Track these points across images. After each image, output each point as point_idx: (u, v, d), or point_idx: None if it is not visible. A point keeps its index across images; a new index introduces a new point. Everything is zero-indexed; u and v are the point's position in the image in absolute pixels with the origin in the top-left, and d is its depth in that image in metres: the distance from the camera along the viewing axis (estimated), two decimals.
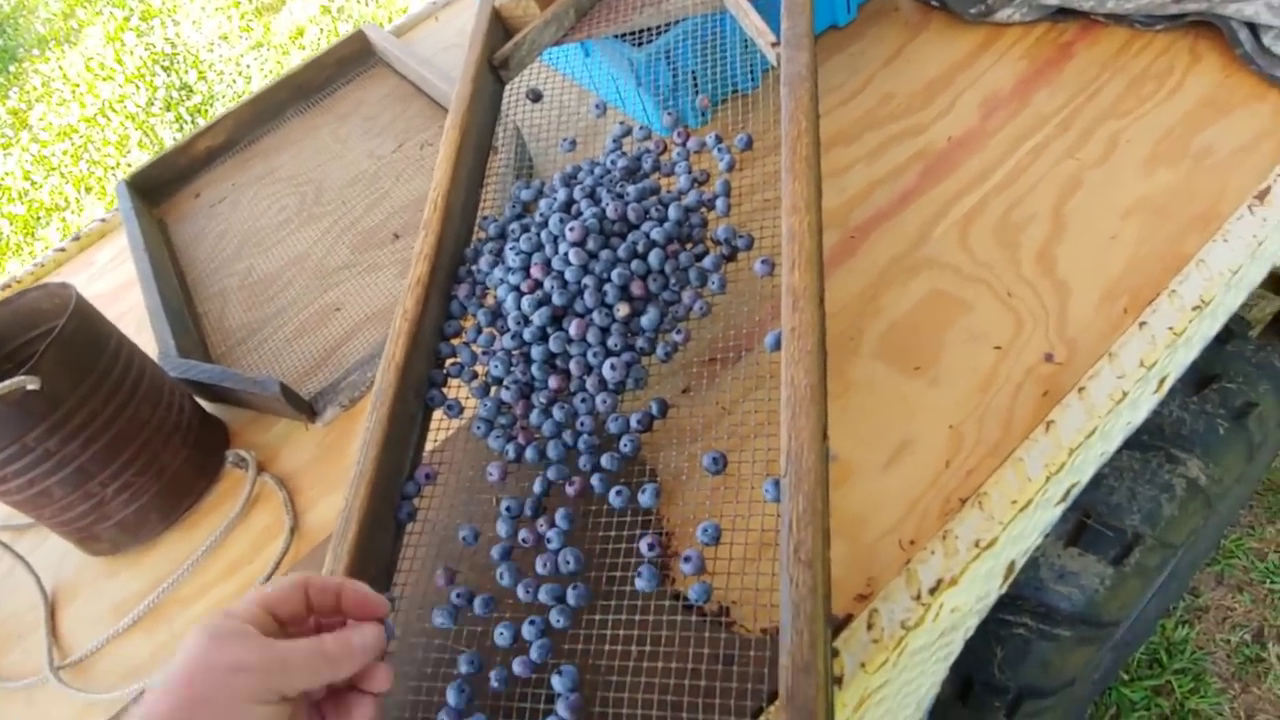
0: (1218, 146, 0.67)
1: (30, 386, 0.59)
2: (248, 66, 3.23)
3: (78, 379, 0.63)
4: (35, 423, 0.61)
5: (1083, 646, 0.71)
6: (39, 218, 2.89)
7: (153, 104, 3.16)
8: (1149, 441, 0.72)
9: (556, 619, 0.48)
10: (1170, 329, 0.56)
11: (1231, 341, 0.78)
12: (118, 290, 1.00)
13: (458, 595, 0.51)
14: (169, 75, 3.27)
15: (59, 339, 0.61)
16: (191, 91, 3.18)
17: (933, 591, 0.49)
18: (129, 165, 2.96)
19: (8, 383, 0.58)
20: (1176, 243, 0.62)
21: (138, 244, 0.94)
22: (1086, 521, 0.70)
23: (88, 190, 2.94)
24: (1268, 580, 1.19)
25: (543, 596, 0.49)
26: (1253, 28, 0.71)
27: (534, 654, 0.47)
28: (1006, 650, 0.72)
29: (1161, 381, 0.60)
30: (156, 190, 1.08)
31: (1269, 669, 1.12)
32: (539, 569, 0.51)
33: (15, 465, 0.62)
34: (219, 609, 0.41)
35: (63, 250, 1.10)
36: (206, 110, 3.06)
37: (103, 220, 1.12)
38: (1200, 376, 0.76)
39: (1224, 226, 0.60)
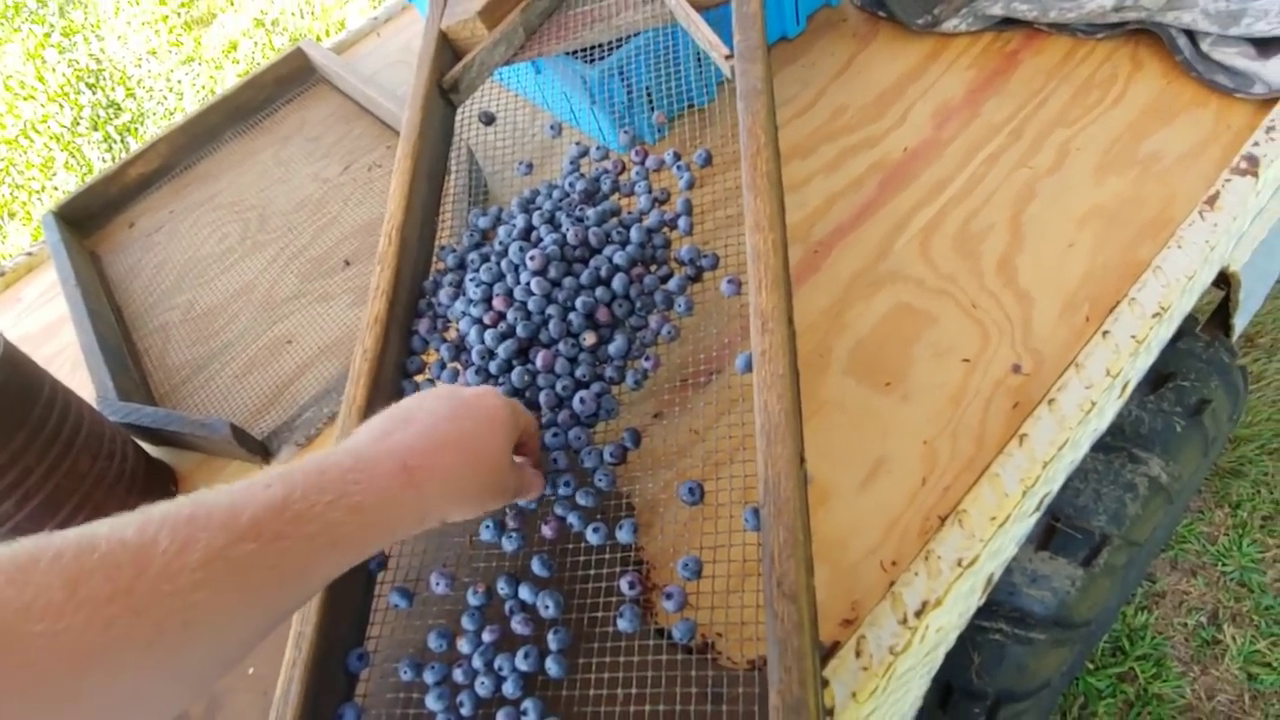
0: (1164, 153, 0.68)
1: None
2: (179, 82, 3.12)
3: (9, 434, 0.59)
4: None
5: (1057, 648, 0.72)
6: None
7: (78, 124, 3.03)
8: (1111, 442, 0.73)
9: (551, 666, 0.47)
10: (1133, 337, 0.57)
11: (1182, 339, 0.80)
12: (48, 329, 0.95)
13: (435, 670, 0.49)
14: (95, 93, 3.14)
15: None
16: (120, 110, 3.06)
17: (919, 614, 0.48)
18: (55, 189, 2.83)
19: None
20: (1132, 249, 0.63)
21: (68, 279, 0.89)
22: (1055, 525, 0.71)
23: (11, 216, 2.81)
24: (1219, 563, 1.23)
25: (515, 673, 0.48)
26: (1191, 35, 0.73)
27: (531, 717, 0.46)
28: (983, 656, 0.72)
29: (1125, 387, 0.61)
30: (87, 220, 1.03)
31: (1225, 650, 1.15)
32: (517, 628, 0.49)
33: None
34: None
35: None
36: (136, 129, 2.94)
37: (29, 254, 1.06)
38: (1156, 375, 0.78)
39: (1177, 233, 0.62)
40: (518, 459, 0.49)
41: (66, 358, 0.89)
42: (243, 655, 0.34)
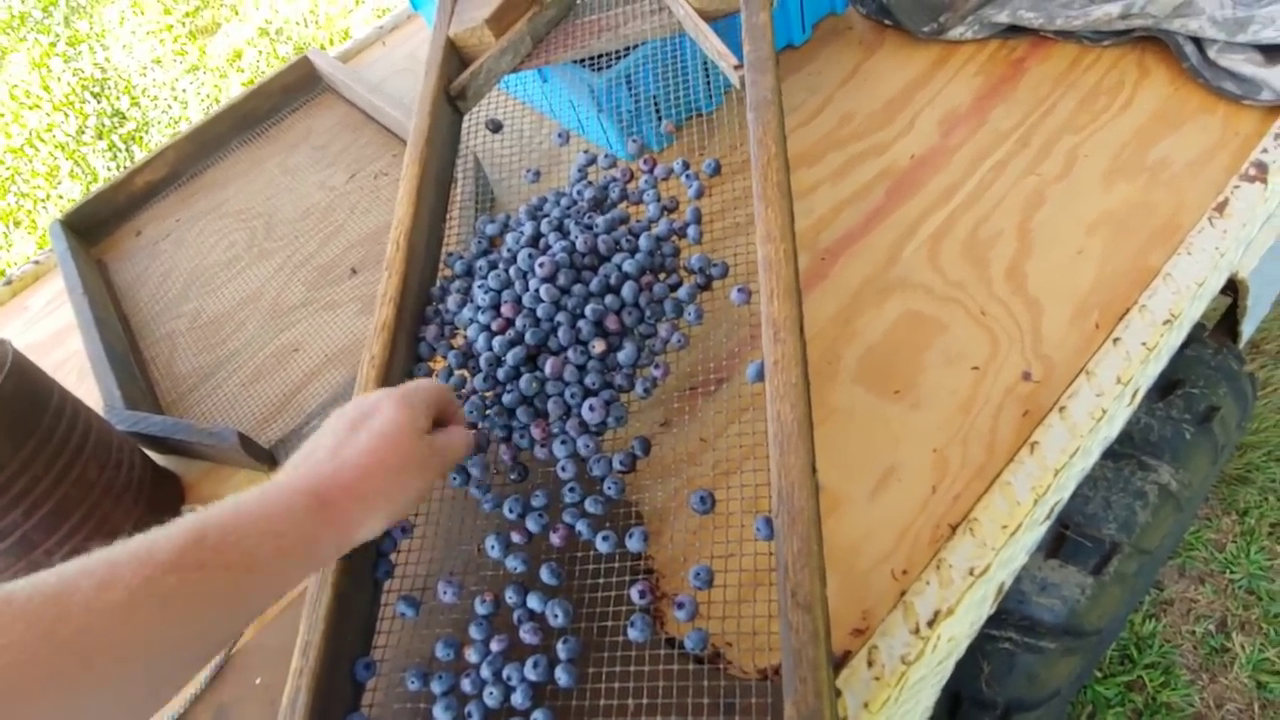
0: (1172, 159, 0.68)
1: None
2: (183, 91, 3.13)
3: (18, 443, 0.59)
4: None
5: (1067, 657, 0.72)
6: None
7: (83, 132, 3.04)
8: (1120, 450, 0.73)
9: (560, 676, 0.47)
10: (1143, 344, 0.56)
11: (1190, 346, 0.80)
12: (55, 337, 0.95)
13: (443, 680, 0.49)
14: (100, 102, 3.16)
15: None
16: (125, 118, 3.07)
17: (930, 624, 0.48)
18: (60, 197, 2.85)
19: None
20: (1141, 256, 0.63)
21: (75, 287, 0.89)
22: (1065, 533, 0.71)
23: (16, 224, 2.82)
24: (1227, 571, 1.22)
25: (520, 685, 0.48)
26: (1197, 41, 0.73)
27: None
28: (993, 665, 0.72)
29: (1135, 394, 0.61)
30: (94, 229, 1.03)
31: (1234, 658, 1.15)
32: (525, 637, 0.48)
33: None
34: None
35: None
36: (141, 138, 2.96)
37: (36, 262, 1.07)
38: (1164, 382, 0.77)
39: (1186, 239, 0.61)
40: (440, 431, 0.48)
41: (73, 366, 0.89)
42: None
